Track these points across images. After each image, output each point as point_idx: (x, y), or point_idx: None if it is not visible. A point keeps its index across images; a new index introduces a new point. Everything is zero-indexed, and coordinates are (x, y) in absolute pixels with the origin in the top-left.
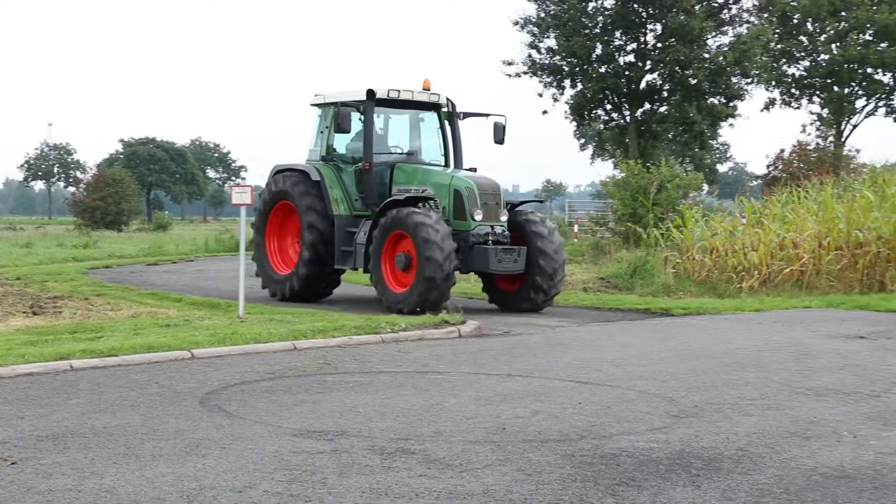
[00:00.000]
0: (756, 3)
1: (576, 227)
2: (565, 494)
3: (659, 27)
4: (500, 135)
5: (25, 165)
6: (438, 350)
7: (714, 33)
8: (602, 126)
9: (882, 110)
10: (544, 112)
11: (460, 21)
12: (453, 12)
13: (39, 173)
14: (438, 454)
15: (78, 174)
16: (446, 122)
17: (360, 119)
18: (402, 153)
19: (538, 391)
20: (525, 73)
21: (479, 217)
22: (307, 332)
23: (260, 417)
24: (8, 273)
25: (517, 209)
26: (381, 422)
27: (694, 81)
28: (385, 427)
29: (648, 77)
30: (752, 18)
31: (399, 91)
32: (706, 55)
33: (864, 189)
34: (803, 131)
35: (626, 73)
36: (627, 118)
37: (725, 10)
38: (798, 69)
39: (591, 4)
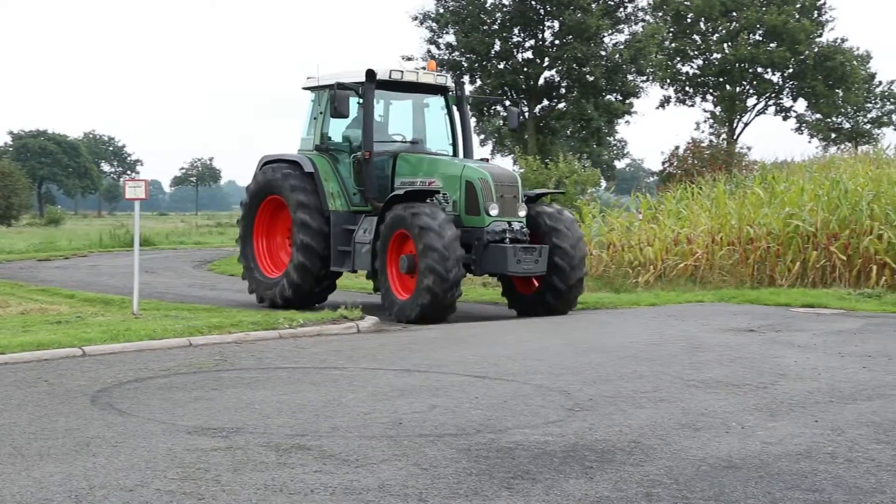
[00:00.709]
0: (651, 2)
1: None
2: (460, 488)
3: (557, 24)
4: (514, 120)
5: None
6: (337, 345)
7: (610, 31)
8: (501, 122)
9: (772, 109)
10: None
11: (357, 15)
12: (348, 4)
13: None
14: (334, 450)
15: None
16: (454, 107)
17: (358, 103)
18: (405, 141)
19: (436, 386)
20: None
21: (494, 212)
22: (203, 328)
23: (153, 415)
24: None
25: (535, 202)
26: (278, 418)
27: (591, 79)
28: (281, 423)
29: (547, 74)
30: (647, 17)
31: (402, 72)
32: (603, 53)
33: (754, 186)
34: (697, 128)
35: (525, 69)
36: (526, 114)
37: (621, 9)
38: (692, 68)
39: (490, 1)
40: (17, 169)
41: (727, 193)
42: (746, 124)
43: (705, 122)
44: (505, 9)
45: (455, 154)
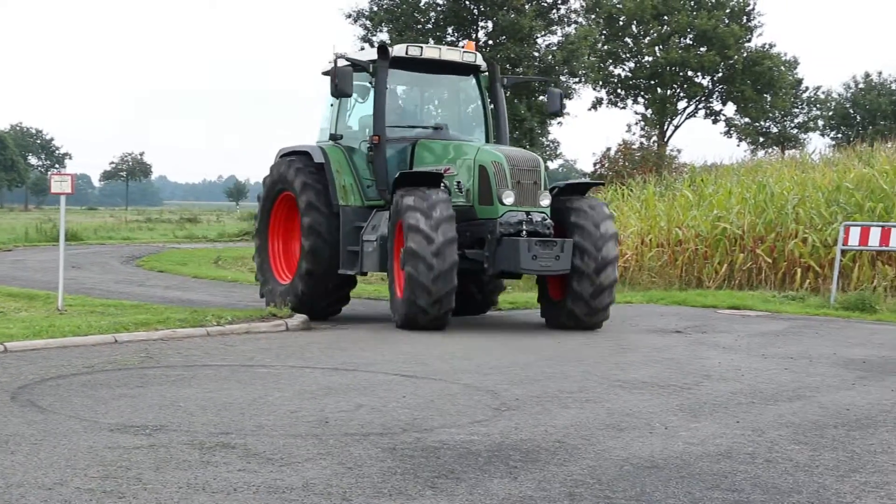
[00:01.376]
0: (584, 4)
1: None
2: (385, 487)
3: (490, 25)
4: (556, 104)
5: None
6: (265, 343)
7: (543, 33)
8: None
9: (702, 112)
10: None
11: (292, 12)
12: (288, 3)
13: None
14: (259, 448)
15: None
16: (486, 90)
17: (370, 83)
18: (426, 127)
19: (363, 385)
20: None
21: (509, 200)
22: (129, 324)
23: (75, 412)
24: None
25: (564, 194)
26: (202, 416)
27: None
28: (206, 421)
29: None
30: (581, 19)
31: (422, 48)
32: (536, 54)
33: (683, 188)
34: (628, 130)
35: None
36: None
37: (554, 11)
38: (624, 70)
39: (424, 0)
40: None
41: (657, 195)
42: (677, 127)
43: (636, 124)
44: (439, 8)
45: (487, 141)
